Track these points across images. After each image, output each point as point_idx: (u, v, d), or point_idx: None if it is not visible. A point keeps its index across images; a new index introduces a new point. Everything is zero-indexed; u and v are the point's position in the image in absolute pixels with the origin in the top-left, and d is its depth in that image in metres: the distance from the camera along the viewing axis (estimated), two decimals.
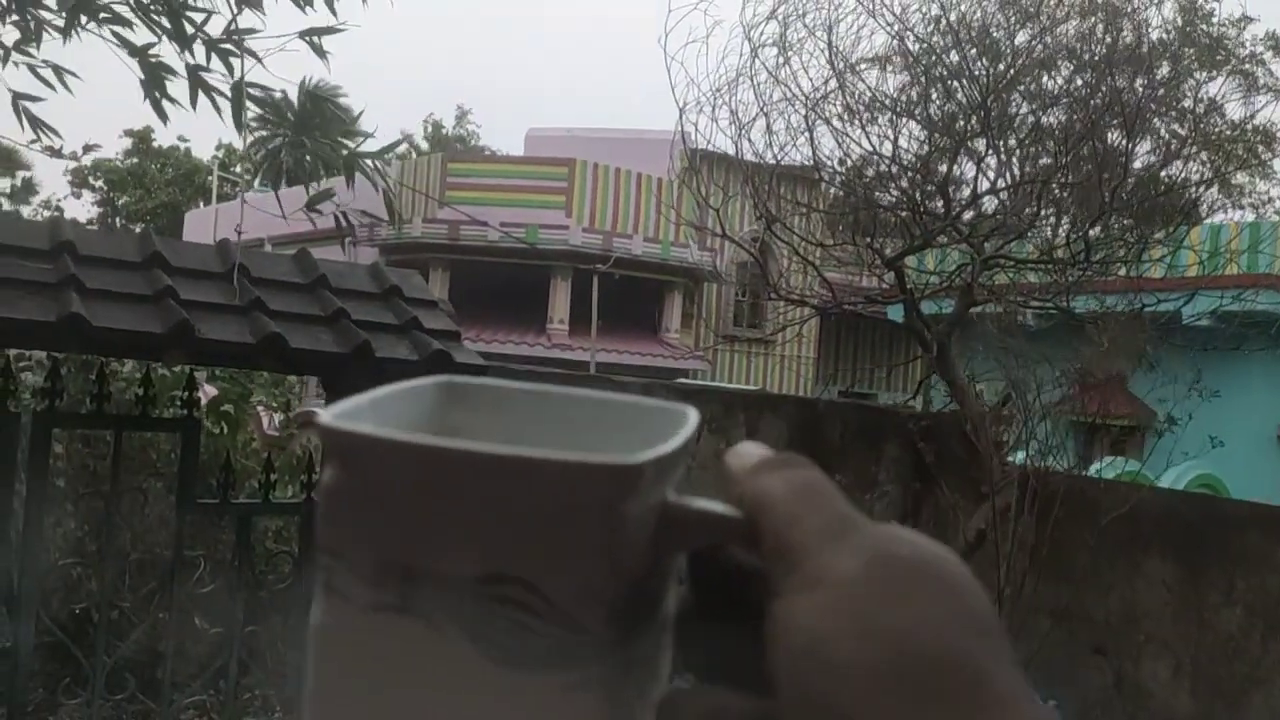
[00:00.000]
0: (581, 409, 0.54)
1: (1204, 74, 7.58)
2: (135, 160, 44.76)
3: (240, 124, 4.34)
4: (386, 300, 5.19)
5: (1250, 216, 14.72)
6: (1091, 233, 6.94)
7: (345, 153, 4.76)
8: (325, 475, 0.45)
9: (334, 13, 4.53)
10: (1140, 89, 7.20)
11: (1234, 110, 7.49)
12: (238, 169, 45.39)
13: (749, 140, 7.39)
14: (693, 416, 0.51)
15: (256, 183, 40.20)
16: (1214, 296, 8.01)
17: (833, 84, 7.13)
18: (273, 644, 5.67)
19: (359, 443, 0.42)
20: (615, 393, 0.55)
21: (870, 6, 7.11)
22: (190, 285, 4.61)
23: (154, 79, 3.95)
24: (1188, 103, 7.53)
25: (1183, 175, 7.67)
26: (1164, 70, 7.35)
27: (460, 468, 0.41)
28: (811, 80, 7.21)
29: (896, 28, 7.04)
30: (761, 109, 7.15)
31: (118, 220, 43.87)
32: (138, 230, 6.22)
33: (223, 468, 5.59)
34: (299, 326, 4.70)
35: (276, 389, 11.02)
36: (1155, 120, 7.53)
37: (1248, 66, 7.82)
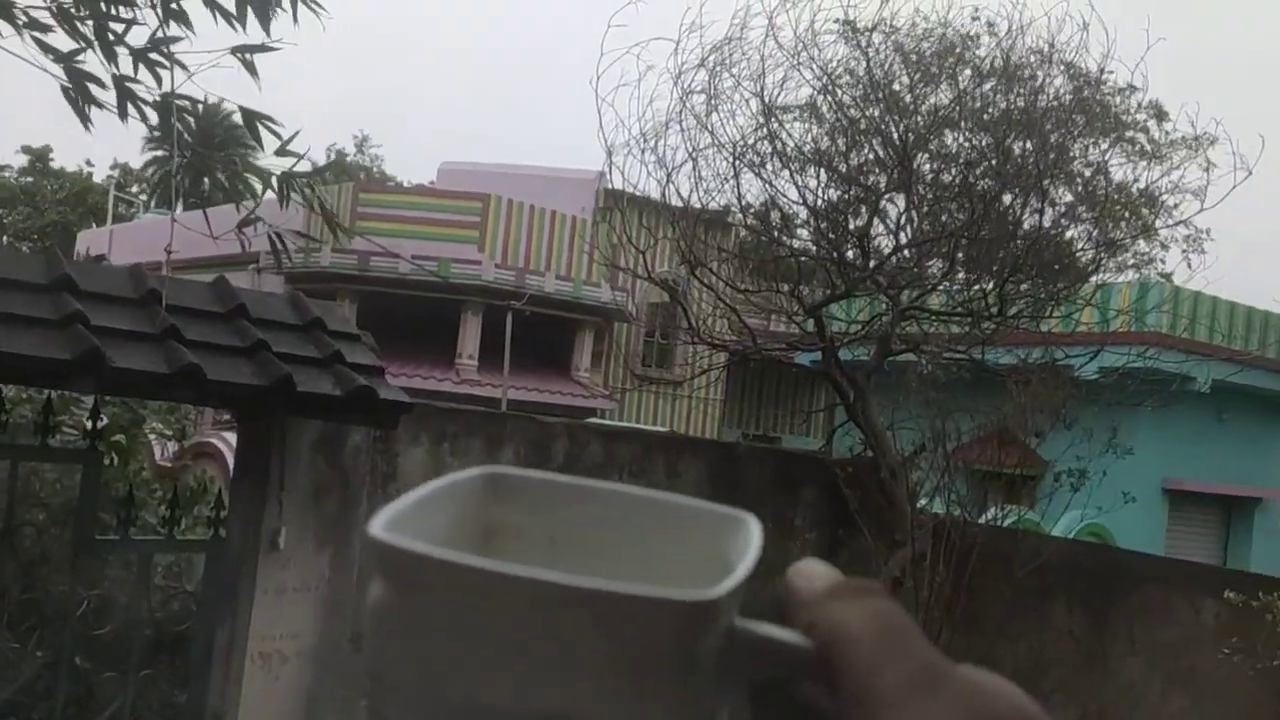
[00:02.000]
0: (629, 507, 0.51)
1: (1093, 139, 7.92)
2: (30, 179, 43.12)
3: (169, 138, 4.19)
4: (308, 332, 5.05)
5: (1133, 276, 15.38)
6: (1000, 288, 7.15)
7: (280, 173, 4.61)
8: (374, 592, 0.41)
9: (268, 32, 4.41)
10: (1032, 152, 7.48)
11: (1117, 173, 7.82)
12: (134, 189, 44.05)
13: (674, 184, 7.44)
14: (754, 529, 0.49)
15: (153, 204, 39.03)
16: (1117, 354, 8.31)
17: (759, 133, 7.23)
18: (169, 688, 5.40)
19: (410, 562, 0.38)
20: (663, 493, 0.52)
21: (795, 60, 7.26)
22: (101, 311, 4.41)
23: (79, 87, 3.79)
24: (1078, 166, 7.84)
25: (1077, 235, 7.97)
26: (1057, 135, 7.66)
27: (523, 597, 0.37)
28: (739, 129, 7.31)
29: (822, 81, 7.20)
30: (690, 154, 7.22)
31: (3, 238, 42.09)
32: (27, 250, 5.94)
33: (123, 502, 5.34)
34: (217, 357, 4.53)
35: (171, 415, 10.57)
36: (1049, 183, 7.83)
37: (1132, 133, 8.20)
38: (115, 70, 3.87)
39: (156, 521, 5.72)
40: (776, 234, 7.95)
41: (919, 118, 7.45)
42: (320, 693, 5.34)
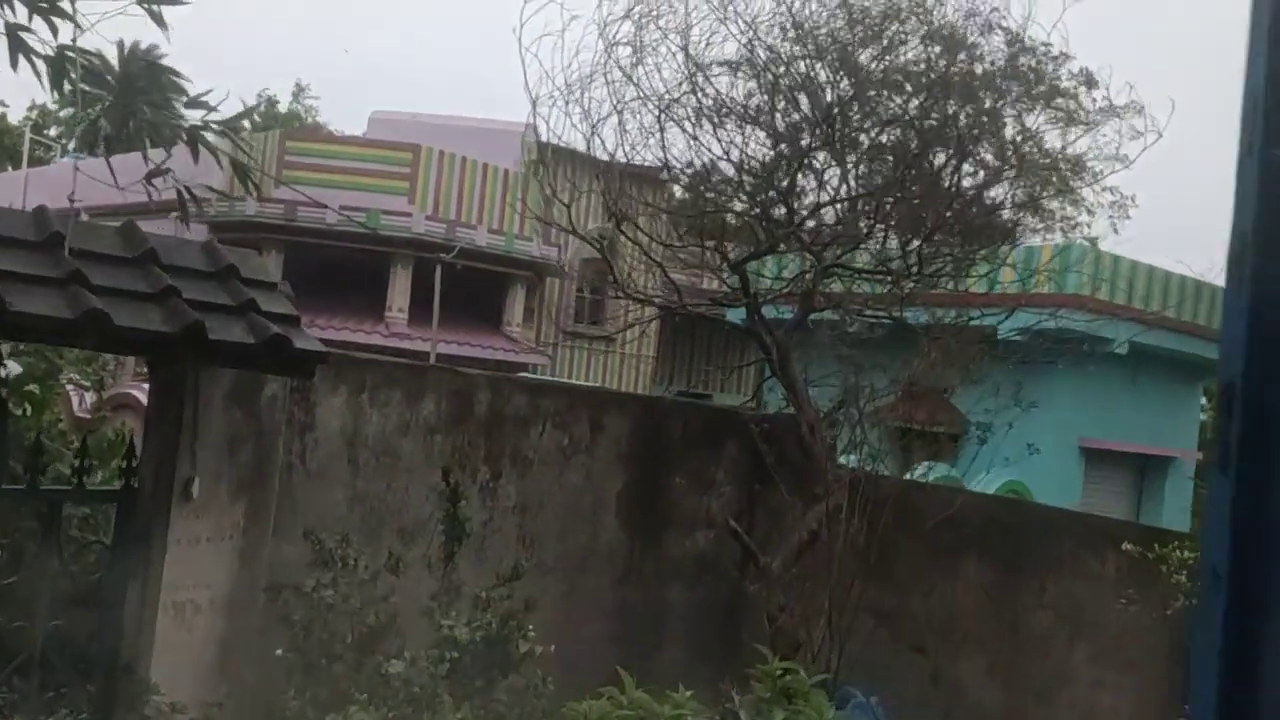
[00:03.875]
0: None
1: (1025, 105, 8.02)
2: None
3: (60, 89, 4.05)
4: (222, 280, 4.95)
5: (1060, 240, 15.69)
6: (922, 248, 7.25)
7: (188, 125, 4.50)
8: None
9: None
10: (970, 116, 7.56)
11: (1051, 140, 7.97)
12: (52, 132, 42.52)
13: (600, 138, 7.40)
14: None
15: (71, 147, 37.72)
16: (1031, 314, 8.50)
17: (685, 87, 7.21)
18: (81, 639, 5.33)
19: None
20: None
21: (722, 14, 7.23)
22: (1, 255, 4.28)
23: None
24: (1010, 132, 7.95)
25: (1004, 198, 8.11)
26: (991, 100, 7.75)
27: None
28: (664, 82, 7.28)
29: (748, 36, 7.18)
30: (615, 107, 7.18)
31: None
32: None
33: (30, 451, 5.22)
34: (124, 303, 4.43)
35: (88, 366, 10.32)
36: (980, 146, 7.93)
37: (1062, 100, 8.33)
38: (10, 17, 3.73)
39: (70, 473, 5.61)
40: (702, 190, 7.96)
41: (849, 76, 7.48)
42: (234, 642, 5.32)
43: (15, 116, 42.81)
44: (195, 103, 4.59)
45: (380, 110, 27.56)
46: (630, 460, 7.54)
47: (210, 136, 4.65)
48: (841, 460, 7.23)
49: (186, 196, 4.33)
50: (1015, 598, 6.95)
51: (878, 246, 7.72)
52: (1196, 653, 1.17)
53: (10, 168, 36.15)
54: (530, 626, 5.36)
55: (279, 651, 5.10)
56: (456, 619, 5.05)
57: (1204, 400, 24.01)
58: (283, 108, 44.92)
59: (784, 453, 7.45)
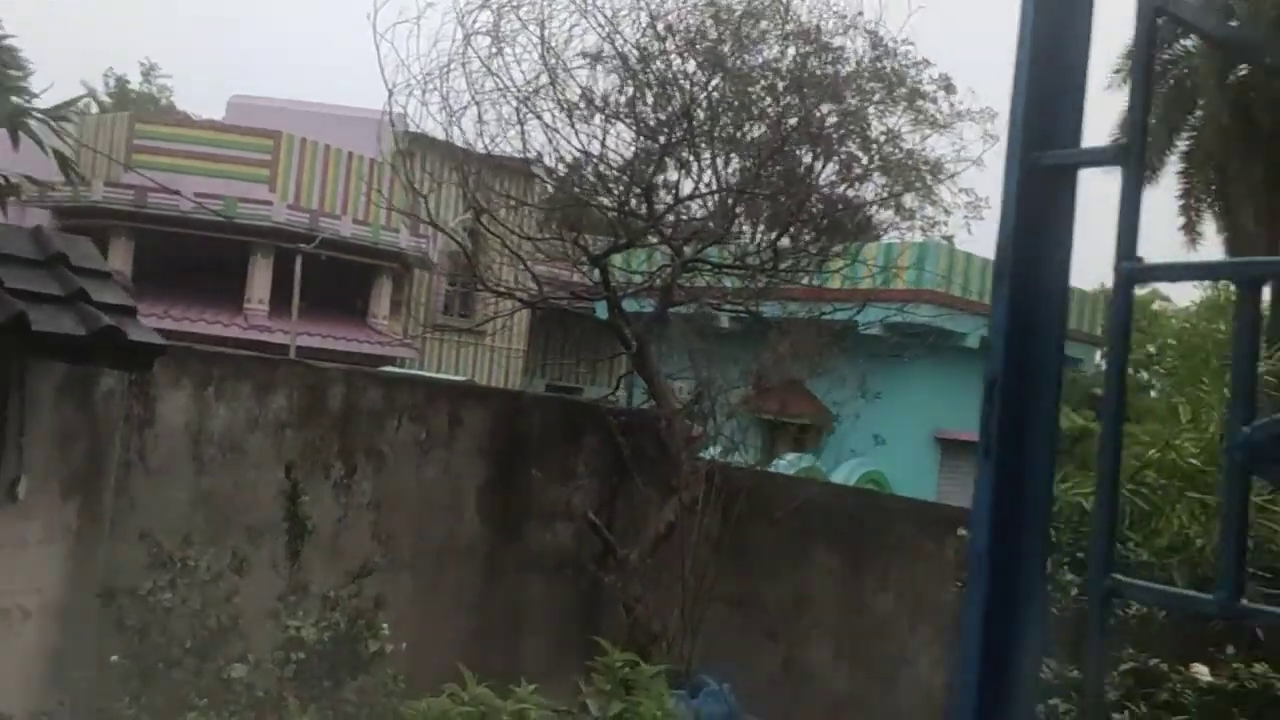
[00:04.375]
0: None
1: (886, 106, 8.28)
2: None
3: None
4: (50, 268, 4.72)
5: (919, 238, 16.26)
6: (780, 243, 7.41)
7: (9, 110, 4.28)
8: None
9: None
10: (832, 115, 7.76)
11: (908, 140, 8.26)
12: None
13: (460, 128, 7.31)
14: None
15: None
16: (885, 308, 8.78)
17: (545, 79, 7.19)
18: None
19: None
20: None
21: (582, 6, 7.23)
22: None
23: None
24: (873, 131, 8.19)
25: (862, 195, 8.35)
26: (854, 100, 7.96)
27: None
28: (524, 73, 7.24)
29: (607, 30, 7.21)
30: (474, 98, 7.10)
31: None
32: None
33: None
34: None
35: None
36: (842, 144, 8.15)
37: (922, 103, 8.62)
38: None
39: None
40: (565, 183, 7.96)
41: (708, 72, 7.57)
42: (66, 649, 5.08)
43: None
44: (16, 89, 4.38)
45: (240, 94, 26.63)
46: (490, 454, 7.49)
47: (35, 123, 4.44)
48: (701, 453, 7.34)
49: (4, 184, 4.12)
50: (860, 583, 7.18)
51: (738, 242, 7.86)
52: (962, 631, 1.23)
53: None
54: (384, 625, 5.27)
55: (114, 658, 4.90)
56: (304, 619, 4.93)
57: None
58: (134, 88, 42.88)
59: (643, 446, 7.52)
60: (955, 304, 17.27)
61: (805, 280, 7.72)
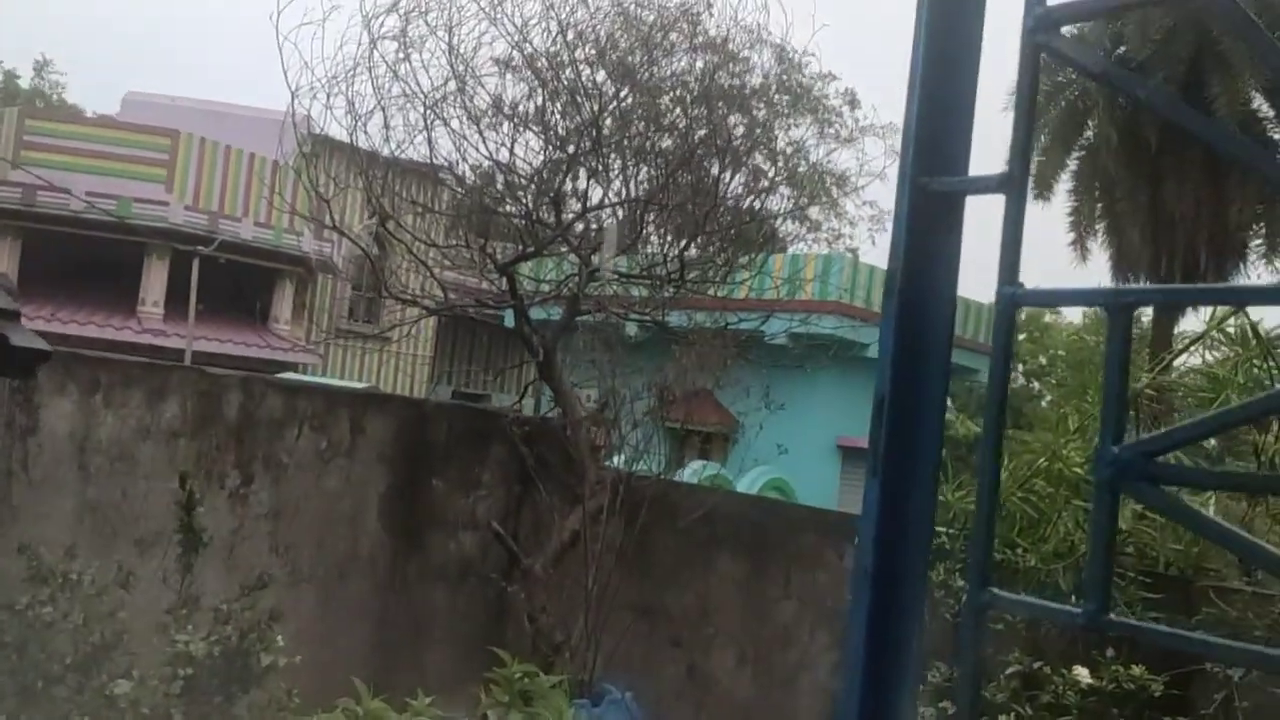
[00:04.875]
0: None
1: (793, 119, 8.43)
2: None
3: None
4: None
5: (824, 250, 16.56)
6: (687, 254, 7.48)
7: None
8: None
9: None
10: (739, 127, 7.85)
11: (814, 153, 8.42)
12: None
13: (365, 133, 7.21)
14: None
15: None
16: (788, 319, 8.91)
17: (452, 85, 7.13)
18: None
19: None
20: None
21: (492, 15, 7.19)
22: None
23: None
24: (779, 144, 8.32)
25: (769, 207, 8.47)
26: (761, 112, 8.08)
27: None
28: (432, 79, 7.17)
29: (516, 37, 7.18)
30: (379, 103, 7.01)
31: None
32: None
33: None
34: None
35: None
36: (749, 156, 8.26)
37: (828, 117, 8.80)
38: None
39: None
40: (471, 190, 7.90)
41: (617, 81, 7.60)
42: None
43: None
44: None
45: (136, 91, 25.80)
46: (393, 463, 7.38)
47: None
48: (607, 462, 7.35)
49: None
50: (763, 591, 7.26)
51: (646, 252, 7.90)
52: (847, 645, 1.26)
53: None
54: (279, 637, 5.15)
55: (16, 679, 4.68)
56: (193, 633, 4.79)
57: (950, 402, 25.95)
58: (24, 84, 41.26)
59: (549, 455, 7.49)
60: (859, 315, 17.65)
61: (712, 291, 7.79)
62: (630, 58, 7.73)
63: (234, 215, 21.21)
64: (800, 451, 15.80)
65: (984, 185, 1.16)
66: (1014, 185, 1.12)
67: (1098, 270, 20.85)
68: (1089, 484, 5.99)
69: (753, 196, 8.39)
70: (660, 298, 7.50)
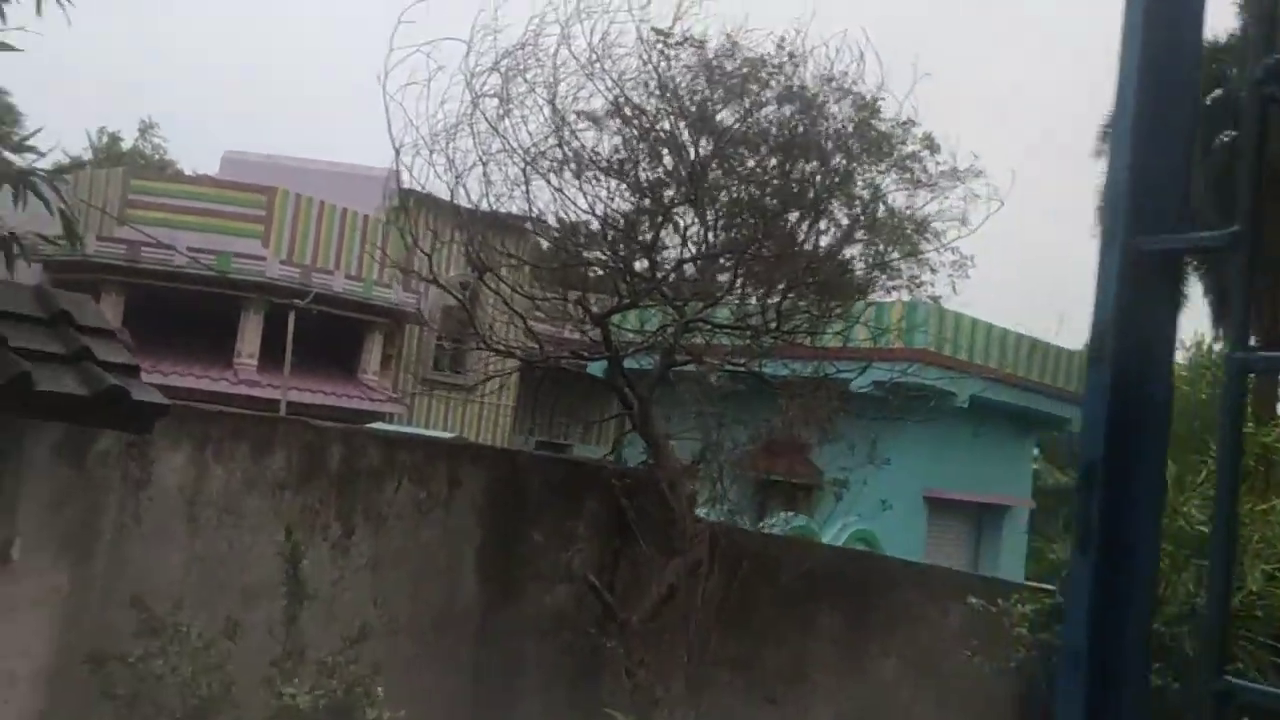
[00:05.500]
0: None
1: (877, 168, 8.34)
2: None
3: None
4: (54, 327, 4.65)
5: (905, 297, 16.36)
6: (781, 303, 7.42)
7: (16, 169, 4.26)
8: None
9: (2, 17, 4.07)
10: (822, 176, 7.81)
11: (896, 199, 8.31)
12: None
13: (464, 188, 7.32)
14: None
15: None
16: (882, 369, 8.76)
17: (551, 140, 7.22)
18: None
19: None
20: None
21: (590, 70, 7.28)
22: None
23: None
24: (862, 191, 8.21)
25: (858, 256, 8.38)
26: (839, 159, 8.02)
27: None
28: (530, 135, 7.27)
29: (614, 93, 7.26)
30: (480, 158, 7.12)
31: None
32: None
33: None
34: None
35: None
36: (834, 205, 8.19)
37: (910, 164, 8.69)
38: None
39: None
40: (567, 242, 7.97)
41: (710, 134, 7.62)
42: (55, 717, 4.93)
43: None
44: (23, 147, 4.36)
45: (234, 150, 26.74)
46: (488, 515, 7.39)
47: (38, 181, 4.42)
48: (701, 514, 7.26)
49: (11, 242, 4.08)
50: (863, 647, 7.08)
51: (737, 302, 7.85)
52: None
53: None
54: (379, 690, 5.15)
55: None
56: (299, 686, 4.80)
57: (1036, 451, 25.26)
58: (126, 144, 43.05)
59: (644, 507, 7.43)
60: (945, 364, 17.32)
61: (807, 340, 7.70)
62: (720, 110, 7.75)
63: (326, 268, 21.76)
64: (876, 501, 15.50)
65: (1211, 244, 1.09)
66: (1244, 245, 1.05)
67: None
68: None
69: (839, 245, 8.31)
70: (756, 347, 7.43)
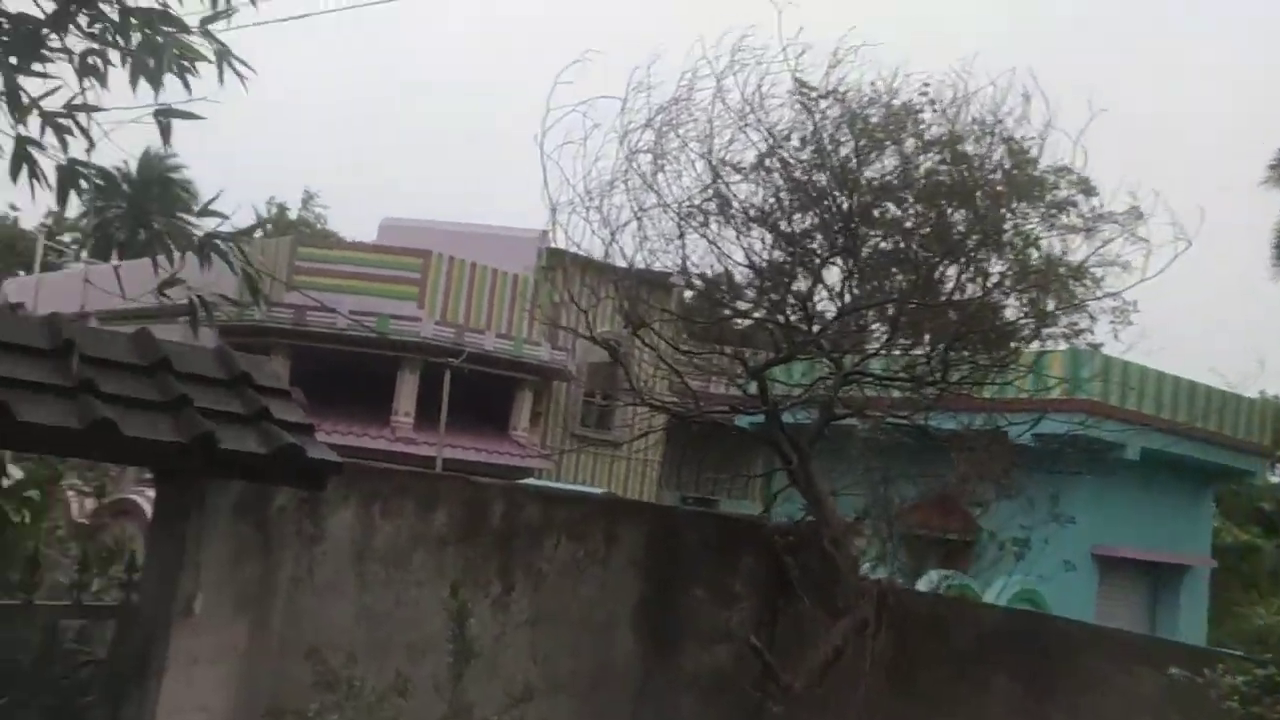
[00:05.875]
0: None
1: (1027, 212, 8.02)
2: None
3: (66, 203, 4.03)
4: (235, 388, 4.83)
5: (1070, 346, 15.65)
6: (947, 354, 7.15)
7: (201, 234, 4.46)
8: None
9: (188, 88, 4.29)
10: (983, 225, 7.54)
11: (1071, 248, 7.94)
12: (66, 238, 42.98)
13: (618, 244, 7.37)
14: None
15: (85, 254, 38.00)
16: (1055, 421, 8.34)
17: (706, 194, 7.21)
18: None
19: None
20: None
21: (743, 123, 7.26)
22: (11, 363, 4.17)
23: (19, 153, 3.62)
24: (1008, 236, 7.89)
25: (1024, 305, 8.03)
26: (1006, 210, 7.74)
27: None
28: (684, 189, 7.27)
29: (769, 143, 7.20)
30: (634, 213, 7.16)
31: None
32: None
33: (27, 563, 5.05)
34: (135, 412, 4.30)
35: (90, 471, 10.21)
36: (997, 254, 7.90)
37: (1064, 208, 8.29)
38: (23, 130, 3.72)
39: (68, 583, 5.42)
40: (721, 295, 7.90)
41: (864, 188, 7.49)
42: None
43: (30, 222, 43.38)
44: (206, 211, 4.57)
45: (391, 217, 27.90)
46: (646, 572, 7.31)
47: (220, 244, 4.62)
48: (864, 572, 7.00)
49: (198, 305, 4.26)
50: (1043, 715, 6.65)
51: (899, 352, 7.62)
52: None
53: (22, 273, 36.46)
54: None
55: None
56: None
57: (1215, 506, 23.66)
58: (292, 214, 45.58)
59: (805, 564, 7.22)
60: (1114, 414, 16.47)
61: (972, 391, 7.40)
62: (877, 160, 7.60)
63: (478, 328, 22.37)
64: (1049, 559, 14.75)
65: None
66: None
67: None
68: None
69: (1005, 294, 7.98)
70: (920, 399, 7.18)
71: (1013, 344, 7.87)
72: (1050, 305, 7.85)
